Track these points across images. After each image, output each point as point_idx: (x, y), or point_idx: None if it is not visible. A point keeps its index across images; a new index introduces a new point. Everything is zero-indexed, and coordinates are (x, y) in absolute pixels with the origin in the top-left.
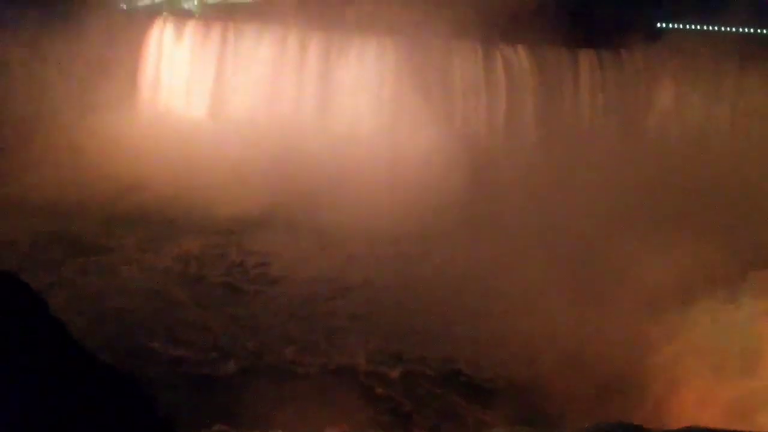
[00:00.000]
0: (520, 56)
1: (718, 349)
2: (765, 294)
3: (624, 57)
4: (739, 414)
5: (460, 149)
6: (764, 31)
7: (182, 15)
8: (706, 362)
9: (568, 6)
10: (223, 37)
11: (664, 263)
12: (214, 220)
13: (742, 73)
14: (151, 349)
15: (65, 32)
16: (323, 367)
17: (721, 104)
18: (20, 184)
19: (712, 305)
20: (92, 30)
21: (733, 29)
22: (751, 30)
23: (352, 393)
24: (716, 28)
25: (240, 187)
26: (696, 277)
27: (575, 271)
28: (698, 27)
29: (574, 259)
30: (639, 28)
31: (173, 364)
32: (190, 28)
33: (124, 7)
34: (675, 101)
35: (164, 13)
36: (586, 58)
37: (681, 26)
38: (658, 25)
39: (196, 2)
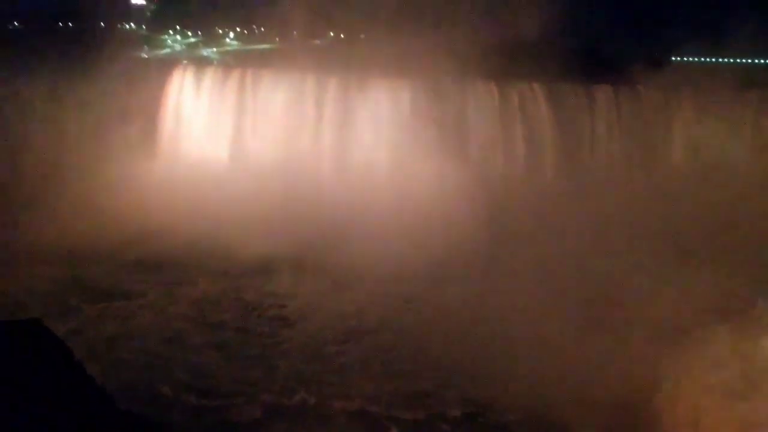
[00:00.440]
0: (536, 93)
1: (733, 380)
2: None
3: (641, 92)
4: None
5: (477, 189)
6: None
7: (201, 62)
8: (719, 394)
9: (582, 42)
10: (241, 83)
11: (683, 298)
12: (232, 263)
13: (761, 105)
14: (170, 395)
15: (85, 79)
16: (344, 410)
17: (739, 137)
18: (39, 233)
19: (727, 336)
20: (113, 78)
21: (749, 60)
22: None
23: None
24: (732, 60)
25: (258, 231)
26: (713, 309)
27: (590, 309)
28: (714, 60)
29: (591, 298)
30: (655, 62)
31: (194, 410)
32: (210, 74)
33: (145, 55)
34: (693, 135)
35: (184, 61)
36: (602, 93)
37: (697, 59)
38: (674, 58)
39: (215, 49)
